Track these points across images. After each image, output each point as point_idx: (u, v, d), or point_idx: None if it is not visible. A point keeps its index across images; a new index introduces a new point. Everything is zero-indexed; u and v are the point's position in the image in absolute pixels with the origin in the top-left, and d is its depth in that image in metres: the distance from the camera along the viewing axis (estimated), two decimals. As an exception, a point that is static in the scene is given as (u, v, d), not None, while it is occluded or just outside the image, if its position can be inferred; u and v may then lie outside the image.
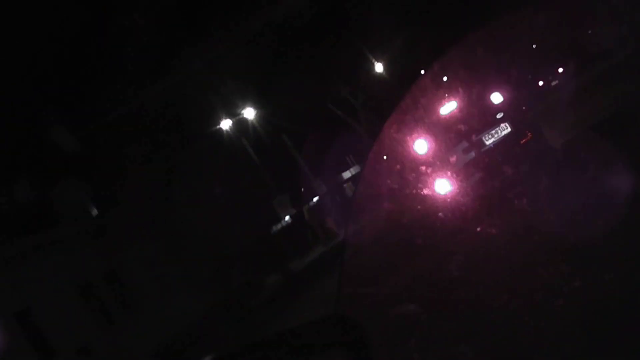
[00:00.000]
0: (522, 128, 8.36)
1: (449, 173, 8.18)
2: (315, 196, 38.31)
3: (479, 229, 6.48)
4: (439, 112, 8.44)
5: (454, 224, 7.14)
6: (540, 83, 13.33)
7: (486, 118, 8.72)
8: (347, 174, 42.24)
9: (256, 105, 33.76)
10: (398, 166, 8.01)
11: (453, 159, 8.57)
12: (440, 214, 7.44)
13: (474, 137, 8.66)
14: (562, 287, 4.37)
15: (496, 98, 8.53)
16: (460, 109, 8.47)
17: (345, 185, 41.86)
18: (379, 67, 37.24)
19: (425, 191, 7.88)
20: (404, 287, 5.49)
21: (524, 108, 8.84)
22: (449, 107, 8.54)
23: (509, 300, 4.56)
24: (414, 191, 7.89)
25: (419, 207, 7.78)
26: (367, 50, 34.60)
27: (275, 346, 1.81)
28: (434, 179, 7.96)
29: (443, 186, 7.99)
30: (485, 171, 8.22)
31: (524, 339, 4.06)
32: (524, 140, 8.34)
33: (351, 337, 1.88)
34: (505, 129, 8.63)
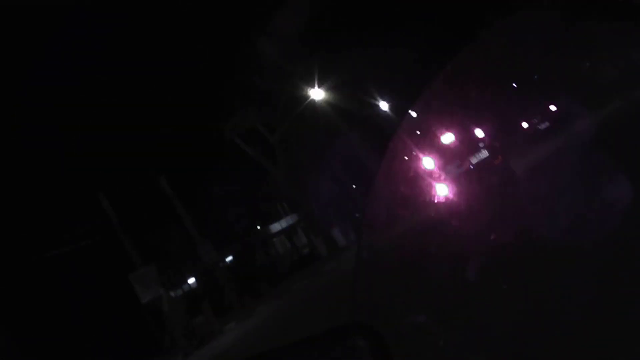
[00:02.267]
0: (495, 154, 11.55)
1: (448, 181, 11.15)
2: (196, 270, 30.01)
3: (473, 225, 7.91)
4: (440, 140, 11.67)
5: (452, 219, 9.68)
6: (525, 125, 14.65)
7: (472, 145, 11.73)
8: (276, 226, 34.41)
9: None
10: (409, 177, 11.00)
11: (450, 171, 11.43)
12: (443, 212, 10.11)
13: (463, 158, 11.73)
14: (576, 295, 4.29)
15: (479, 132, 11.97)
16: (455, 139, 11.69)
17: (274, 239, 34.30)
18: (316, 94, 28.02)
19: (431, 195, 10.82)
20: (417, 296, 5.42)
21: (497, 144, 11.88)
22: (448, 138, 11.78)
23: (524, 310, 4.51)
24: (422, 197, 10.83)
25: (426, 209, 10.65)
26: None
27: (293, 354, 1.77)
28: (437, 185, 10.99)
29: (443, 190, 11.06)
30: (471, 179, 11.26)
31: (538, 350, 3.98)
32: (497, 161, 11.53)
33: (371, 344, 1.83)
34: (484, 154, 11.79)
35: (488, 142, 11.83)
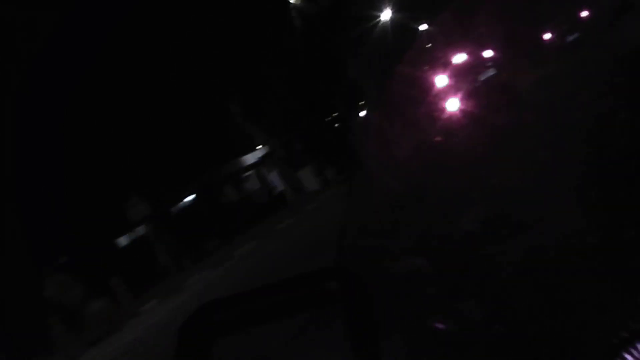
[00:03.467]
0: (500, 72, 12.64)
1: (459, 96, 12.09)
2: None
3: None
4: (452, 59, 12.72)
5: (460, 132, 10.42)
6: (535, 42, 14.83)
7: (481, 64, 12.87)
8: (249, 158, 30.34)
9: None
10: (423, 93, 12.12)
11: (463, 86, 12.42)
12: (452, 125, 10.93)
13: (472, 76, 12.79)
14: (577, 243, 4.02)
15: (488, 53, 13.08)
16: (466, 59, 12.73)
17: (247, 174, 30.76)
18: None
19: (443, 109, 11.72)
20: (412, 238, 5.18)
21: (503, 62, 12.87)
22: (460, 57, 12.78)
23: (523, 257, 4.27)
24: (434, 112, 11.72)
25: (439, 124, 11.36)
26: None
27: (267, 297, 1.53)
28: (450, 99, 11.93)
29: (454, 104, 11.89)
30: (478, 95, 12.06)
31: (535, 299, 3.80)
32: (502, 78, 12.21)
33: (353, 291, 1.56)
34: (492, 72, 12.94)
35: (495, 61, 12.92)
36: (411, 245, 4.88)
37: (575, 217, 4.42)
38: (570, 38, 13.95)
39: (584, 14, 13.90)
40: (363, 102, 26.38)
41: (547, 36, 13.48)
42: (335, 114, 27.07)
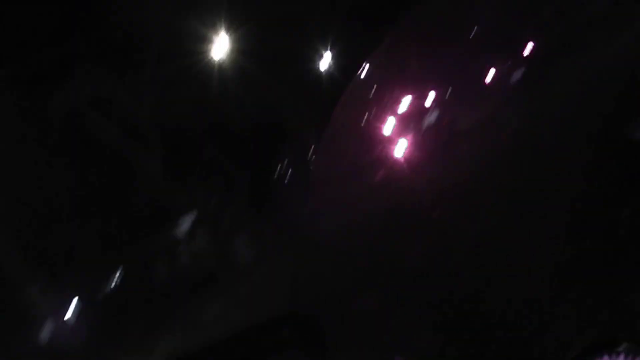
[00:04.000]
0: (443, 116, 12.43)
1: (405, 140, 11.73)
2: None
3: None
4: (396, 106, 12.36)
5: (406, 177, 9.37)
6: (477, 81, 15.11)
7: (424, 109, 12.69)
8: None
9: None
10: (369, 140, 12.19)
11: (405, 133, 12.11)
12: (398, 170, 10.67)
13: (416, 121, 12.46)
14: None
15: (430, 99, 12.54)
16: (409, 104, 12.26)
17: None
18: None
19: (389, 155, 11.45)
20: (365, 278, 5.22)
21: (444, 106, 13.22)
22: (404, 102, 12.48)
23: (477, 292, 4.49)
24: (381, 157, 11.57)
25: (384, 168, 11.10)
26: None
27: (227, 348, 1.60)
28: (396, 144, 11.58)
29: (401, 148, 11.41)
30: (422, 139, 12.01)
31: (489, 332, 4.08)
32: (444, 122, 11.97)
33: (308, 336, 1.64)
34: (434, 116, 12.35)
35: (437, 105, 12.58)
36: (365, 284, 4.91)
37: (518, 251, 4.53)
38: (516, 75, 13.81)
39: (528, 48, 13.62)
40: (300, 153, 26.49)
41: (490, 75, 13.75)
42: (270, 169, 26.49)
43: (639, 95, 6.19)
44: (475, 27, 14.44)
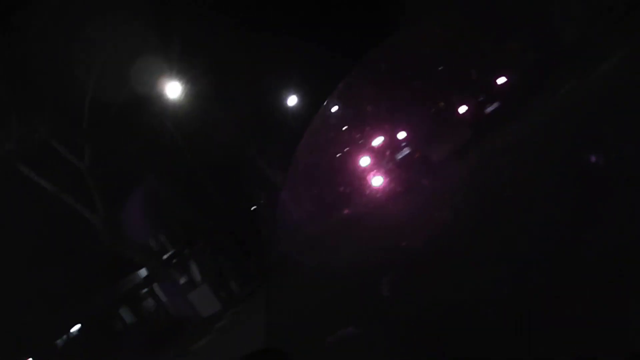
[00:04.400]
0: (414, 150, 13.62)
1: (380, 173, 13.16)
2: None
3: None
4: (371, 143, 13.78)
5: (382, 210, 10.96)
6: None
7: (396, 144, 13.73)
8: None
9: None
10: (347, 174, 13.39)
11: (380, 167, 13.42)
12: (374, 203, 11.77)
13: (390, 155, 13.74)
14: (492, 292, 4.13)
15: (401, 135, 13.86)
16: (384, 141, 13.71)
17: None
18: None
19: (366, 186, 13.02)
20: (337, 308, 5.21)
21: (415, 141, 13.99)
22: (378, 140, 13.75)
23: (448, 315, 4.29)
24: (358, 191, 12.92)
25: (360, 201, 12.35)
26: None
27: None
28: (372, 177, 13.07)
29: (378, 181, 13.06)
30: (396, 173, 13.08)
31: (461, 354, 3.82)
32: (417, 155, 13.57)
33: None
34: (406, 151, 13.79)
35: (409, 140, 13.14)
36: (337, 314, 4.89)
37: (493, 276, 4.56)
38: (489, 109, 13.91)
39: (501, 80, 13.47)
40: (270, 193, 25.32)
41: (462, 109, 13.84)
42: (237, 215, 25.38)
43: (597, 126, 6.39)
44: (442, 65, 14.55)
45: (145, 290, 26.44)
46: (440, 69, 14.34)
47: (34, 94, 17.58)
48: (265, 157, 23.40)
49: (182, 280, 25.11)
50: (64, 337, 24.13)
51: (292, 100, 25.33)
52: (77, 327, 24.88)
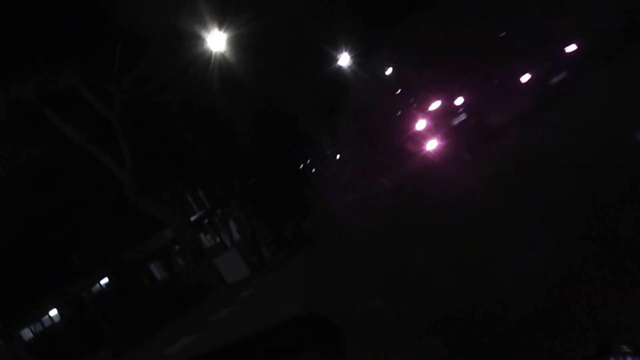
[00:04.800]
0: (471, 116, 13.78)
1: (436, 137, 13.86)
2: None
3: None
4: (429, 107, 14.36)
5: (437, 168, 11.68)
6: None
7: (454, 110, 13.99)
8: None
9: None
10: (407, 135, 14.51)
11: (437, 130, 13.99)
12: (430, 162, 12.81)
13: (447, 120, 14.01)
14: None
15: (459, 101, 14.03)
16: (441, 105, 14.10)
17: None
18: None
19: (422, 149, 13.80)
20: (372, 281, 5.21)
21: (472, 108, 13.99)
22: (435, 104, 14.24)
23: (477, 291, 4.33)
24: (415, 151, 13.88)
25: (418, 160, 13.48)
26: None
27: (247, 349, 1.69)
28: (428, 141, 13.90)
29: (433, 144, 13.88)
30: (453, 134, 13.70)
31: (494, 332, 3.77)
32: (474, 121, 13.57)
33: (325, 336, 1.70)
34: (463, 116, 13.85)
35: (466, 107, 13.74)
36: (372, 286, 4.85)
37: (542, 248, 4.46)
38: (555, 79, 12.95)
39: (570, 48, 12.88)
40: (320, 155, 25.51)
41: (524, 78, 13.03)
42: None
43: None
44: (504, 32, 13.73)
45: (172, 249, 26.18)
46: (502, 35, 13.82)
47: (63, 38, 16.87)
48: (310, 116, 22.62)
49: (211, 243, 25.48)
50: (96, 285, 24.15)
51: (343, 60, 24.58)
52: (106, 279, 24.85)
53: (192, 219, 23.98)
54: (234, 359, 1.72)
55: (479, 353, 3.74)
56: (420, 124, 14.32)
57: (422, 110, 14.39)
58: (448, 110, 13.90)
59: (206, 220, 25.44)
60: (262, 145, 22.92)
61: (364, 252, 6.10)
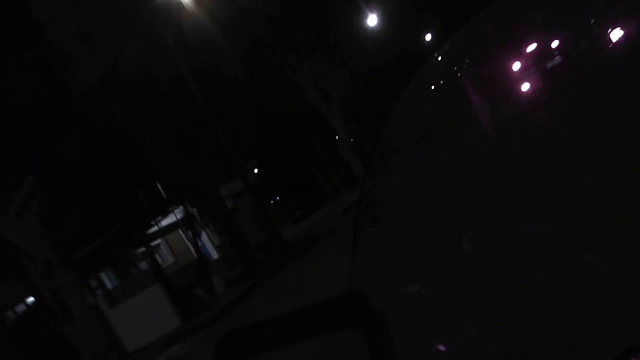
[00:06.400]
0: (566, 60, 12.58)
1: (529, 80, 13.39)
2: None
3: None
4: (524, 48, 13.76)
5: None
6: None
7: (549, 52, 13.10)
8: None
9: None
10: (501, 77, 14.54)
11: (531, 72, 13.77)
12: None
13: (541, 62, 13.02)
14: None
15: (555, 42, 12.80)
16: (535, 47, 13.47)
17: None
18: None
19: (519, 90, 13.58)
20: (414, 263, 5.36)
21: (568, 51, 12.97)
22: (530, 46, 13.71)
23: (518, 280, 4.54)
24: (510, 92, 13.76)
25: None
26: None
27: (289, 324, 1.95)
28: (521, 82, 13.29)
29: (525, 87, 13.38)
30: (546, 79, 12.92)
31: (536, 325, 4.05)
32: (567, 66, 12.65)
33: (367, 315, 1.97)
34: (558, 60, 12.95)
35: (561, 51, 12.25)
36: (414, 270, 4.97)
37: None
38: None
39: None
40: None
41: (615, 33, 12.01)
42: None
43: None
44: None
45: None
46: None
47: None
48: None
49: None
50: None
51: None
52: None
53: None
54: (273, 333, 1.93)
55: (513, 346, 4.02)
56: (515, 65, 13.30)
57: (518, 51, 13.19)
58: (544, 52, 13.00)
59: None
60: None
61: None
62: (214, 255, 24.55)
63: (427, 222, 6.19)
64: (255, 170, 38.42)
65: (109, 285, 27.47)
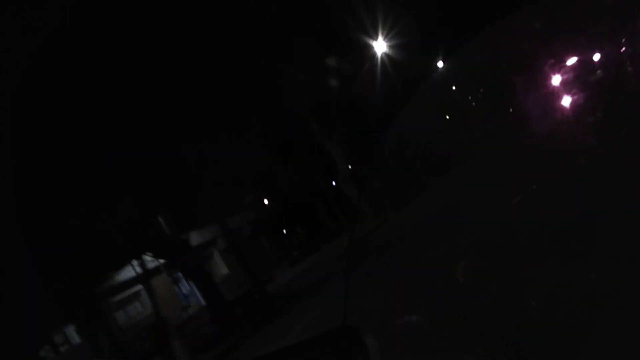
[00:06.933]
0: (611, 73, 12.80)
1: (570, 94, 13.15)
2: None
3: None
4: (566, 62, 13.50)
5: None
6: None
7: (591, 67, 13.18)
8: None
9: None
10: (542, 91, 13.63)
11: (572, 86, 13.27)
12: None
13: (583, 76, 13.28)
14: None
15: (596, 57, 13.21)
16: (578, 61, 13.44)
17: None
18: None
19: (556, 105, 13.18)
20: (408, 296, 5.31)
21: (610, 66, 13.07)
22: (571, 60, 13.33)
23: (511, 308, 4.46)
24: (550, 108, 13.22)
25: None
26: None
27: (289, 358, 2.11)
28: (562, 96, 13.15)
29: (567, 101, 13.19)
30: (586, 94, 12.94)
31: (532, 348, 3.88)
32: (611, 79, 12.61)
33: (361, 348, 2.05)
34: (599, 74, 13.16)
35: (603, 65, 13.30)
36: (410, 300, 4.87)
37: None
38: None
39: None
40: None
41: None
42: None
43: None
44: None
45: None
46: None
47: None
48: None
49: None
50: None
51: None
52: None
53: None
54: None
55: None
56: (556, 79, 13.87)
57: (559, 65, 13.80)
58: (585, 66, 13.38)
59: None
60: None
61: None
62: (202, 302, 22.71)
63: (420, 256, 6.21)
64: (266, 202, 37.84)
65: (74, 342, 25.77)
